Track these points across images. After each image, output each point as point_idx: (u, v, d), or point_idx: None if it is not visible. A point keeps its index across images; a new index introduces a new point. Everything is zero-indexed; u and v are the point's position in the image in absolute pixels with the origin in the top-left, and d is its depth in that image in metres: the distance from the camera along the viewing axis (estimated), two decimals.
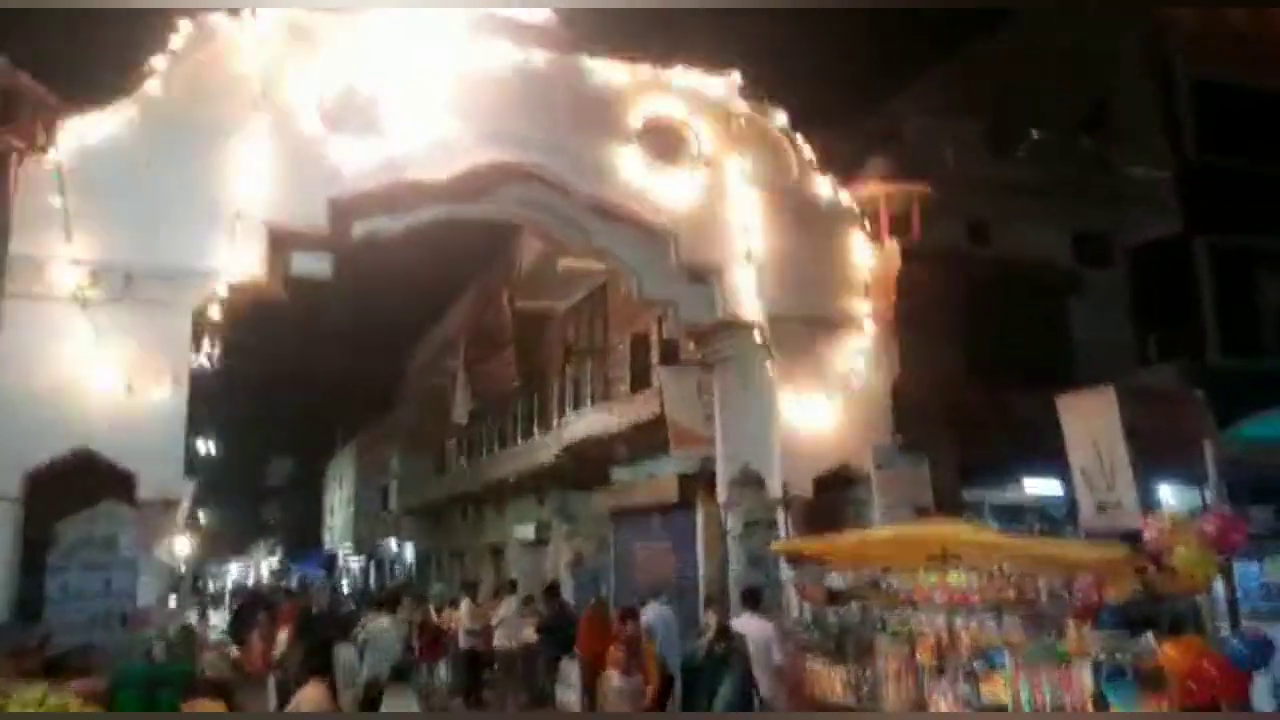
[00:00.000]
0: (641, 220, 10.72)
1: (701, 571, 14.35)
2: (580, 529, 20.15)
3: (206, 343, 15.05)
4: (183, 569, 34.06)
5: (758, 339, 10.90)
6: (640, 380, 14.53)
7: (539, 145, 10.16)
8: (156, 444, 8.38)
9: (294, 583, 47.58)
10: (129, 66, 8.81)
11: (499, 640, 14.24)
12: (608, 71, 10.69)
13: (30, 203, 8.19)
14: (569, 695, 13.98)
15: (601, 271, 18.44)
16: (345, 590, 39.25)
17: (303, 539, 61.67)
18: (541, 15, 10.50)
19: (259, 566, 68.27)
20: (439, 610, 16.16)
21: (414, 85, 9.69)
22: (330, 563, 50.86)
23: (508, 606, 14.57)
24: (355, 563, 46.96)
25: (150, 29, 8.91)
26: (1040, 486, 12.65)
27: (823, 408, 11.02)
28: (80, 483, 8.33)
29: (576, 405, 17.26)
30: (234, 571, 68.73)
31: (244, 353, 21.66)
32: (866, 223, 11.85)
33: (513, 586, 15.07)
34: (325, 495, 56.22)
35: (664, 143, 10.85)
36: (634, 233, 11.04)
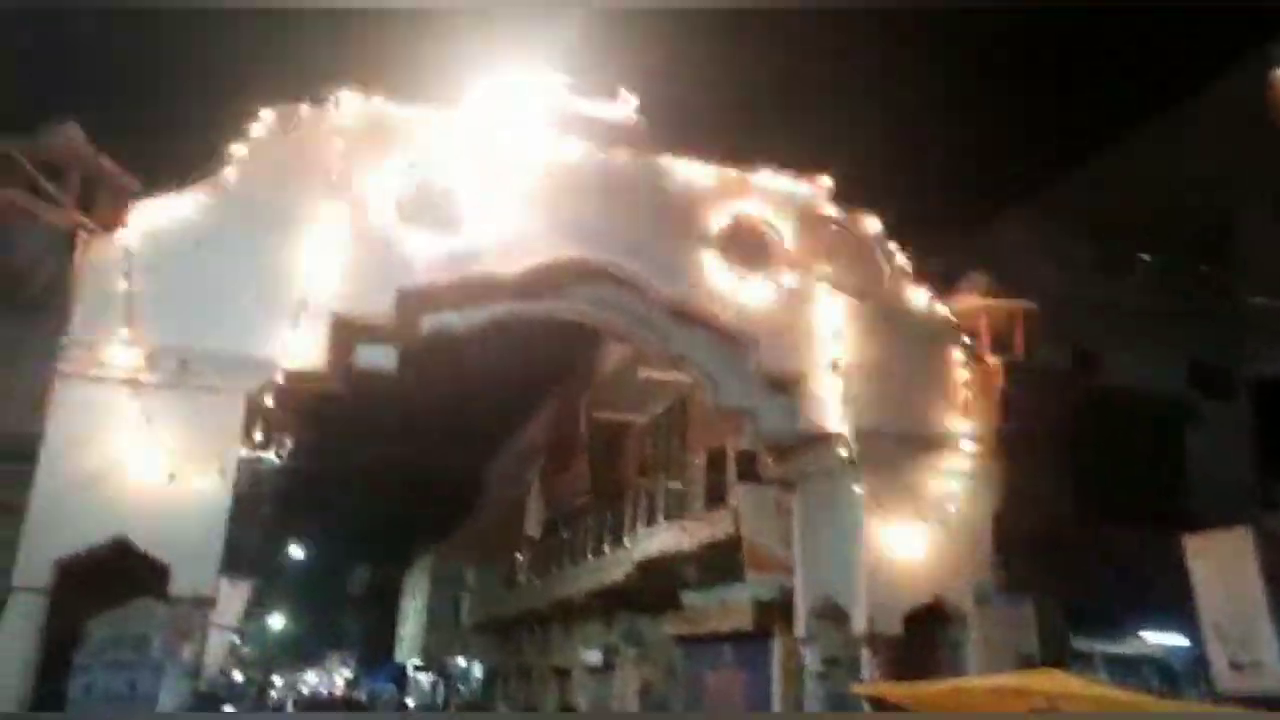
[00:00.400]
0: (721, 325, 10.16)
1: (776, 708, 13.11)
2: (649, 655, 18.97)
3: (275, 436, 14.97)
4: (242, 676, 33.70)
5: (843, 455, 10.05)
6: (716, 497, 13.68)
7: (616, 243, 9.78)
8: (194, 537, 7.93)
9: (364, 695, 46.73)
10: (208, 150, 8.78)
11: None
12: (690, 171, 10.35)
13: (93, 283, 8.06)
14: None
15: (682, 384, 17.96)
16: (411, 705, 38.09)
17: (375, 650, 60.92)
18: (623, 112, 10.27)
19: (333, 676, 67.45)
20: None
21: (491, 179, 9.48)
22: (400, 676, 49.84)
23: None
24: (425, 678, 45.83)
25: (232, 114, 8.90)
26: (1159, 637, 11.28)
27: (915, 535, 10.05)
28: (112, 576, 7.89)
29: (649, 521, 16.40)
30: (311, 679, 68.01)
31: (319, 453, 21.64)
32: (965, 338, 11.06)
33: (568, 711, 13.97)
34: (400, 606, 55.56)
35: (747, 245, 10.38)
36: (712, 338, 10.47)
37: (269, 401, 8.43)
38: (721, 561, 13.95)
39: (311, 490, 35.77)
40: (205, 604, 7.92)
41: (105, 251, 8.15)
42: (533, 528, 22.67)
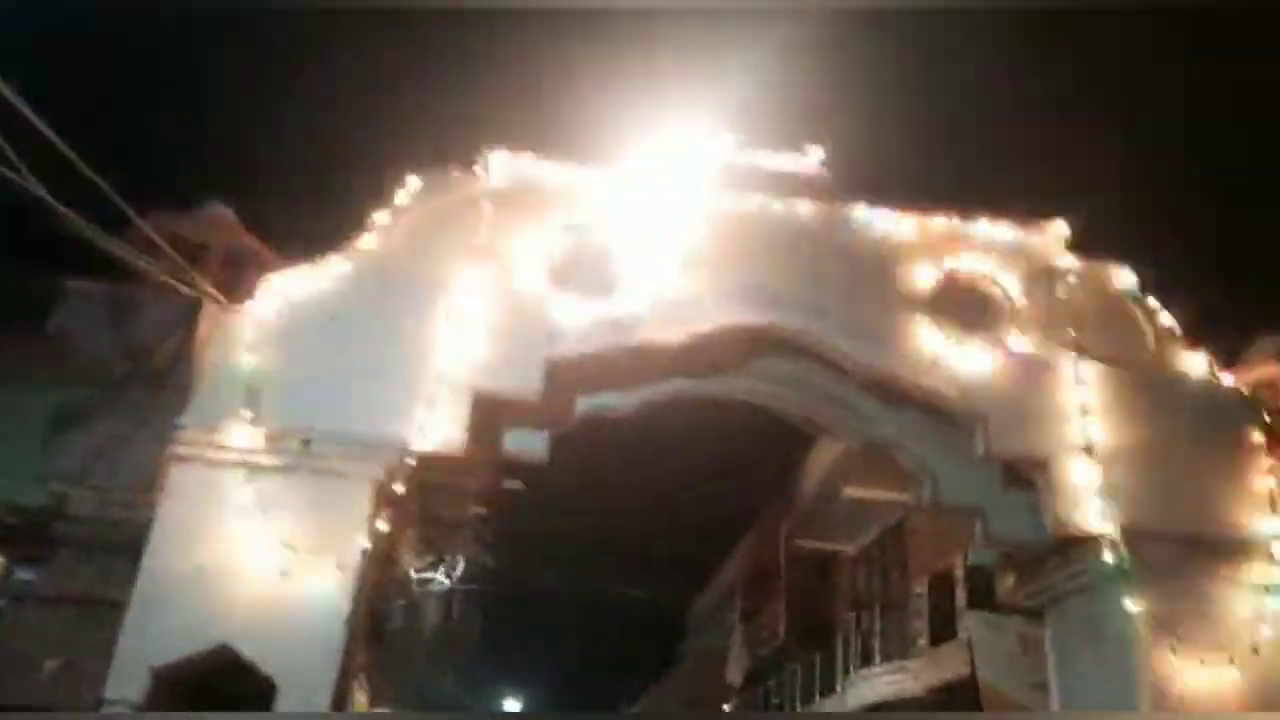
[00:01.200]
0: (937, 401, 8.28)
1: None
2: None
3: (444, 555, 14.00)
4: None
5: (1109, 563, 7.71)
6: (943, 631, 11.31)
7: (798, 306, 8.25)
8: (308, 645, 6.76)
9: None
10: (352, 221, 8.12)
11: None
12: (889, 222, 8.76)
13: (218, 358, 7.37)
14: None
15: (897, 504, 15.74)
16: None
17: None
18: (805, 163, 8.93)
19: None
20: None
21: (653, 239, 8.29)
22: None
23: None
24: None
25: (379, 182, 8.27)
26: None
27: (1215, 672, 7.48)
28: (214, 696, 6.81)
29: (864, 663, 13.99)
30: None
31: (505, 583, 20.61)
32: (1264, 414, 8.59)
33: None
34: None
35: (964, 306, 8.55)
36: (927, 419, 8.59)
37: (399, 488, 7.30)
38: (955, 707, 11.43)
39: (508, 630, 34.90)
40: None
41: (232, 325, 7.48)
42: (734, 674, 20.40)
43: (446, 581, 13.42)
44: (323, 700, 6.72)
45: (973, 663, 9.99)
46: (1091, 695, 7.96)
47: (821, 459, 16.08)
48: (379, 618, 11.95)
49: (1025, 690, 9.64)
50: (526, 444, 8.35)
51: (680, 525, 22.89)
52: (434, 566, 13.35)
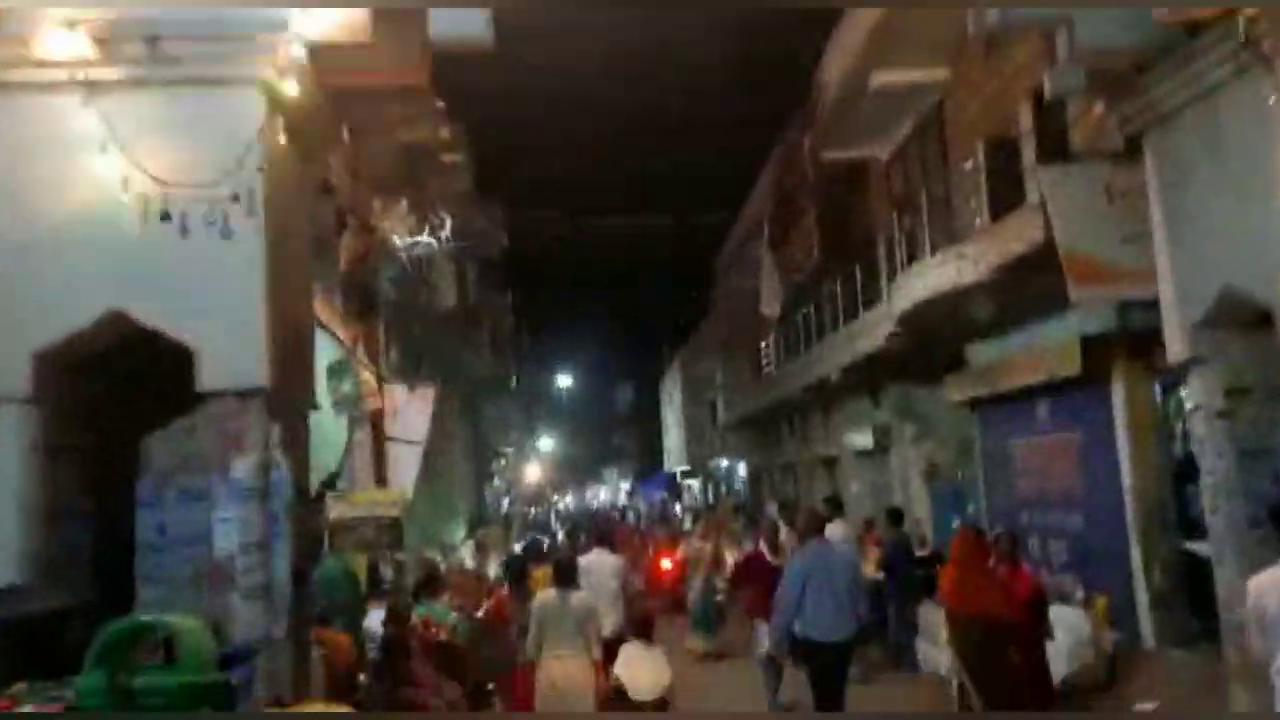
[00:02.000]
0: None
1: (1127, 481, 9.42)
2: (931, 430, 15.56)
3: (428, 216, 12.44)
4: (508, 502, 33.97)
5: (1238, 45, 5.79)
6: (1007, 200, 9.69)
7: None
8: (220, 301, 5.29)
9: (642, 504, 47.21)
10: None
11: None
12: None
13: None
14: (935, 653, 9.81)
15: (933, 85, 13.61)
16: (679, 510, 37.36)
17: (647, 463, 62.01)
18: None
19: (615, 491, 70.05)
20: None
21: None
22: (671, 484, 49.87)
23: (836, 534, 10.55)
24: (693, 483, 45.28)
25: None
26: None
27: None
28: (161, 379, 5.48)
29: (911, 260, 12.62)
30: (601, 496, 71.08)
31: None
32: None
33: (836, 507, 10.98)
34: (661, 418, 55.30)
35: None
36: None
37: (292, 89, 5.46)
38: (1022, 291, 10.09)
39: (542, 306, 34.52)
40: (254, 400, 5.31)
41: None
42: (769, 306, 19.43)
43: (434, 243, 11.93)
44: (252, 362, 5.36)
45: (1048, 226, 8.43)
46: (1216, 218, 6.38)
47: (847, 42, 13.75)
48: (367, 289, 10.67)
49: (1115, 247, 8.15)
50: (461, 25, 6.32)
51: (696, 155, 20.84)
52: (421, 230, 11.82)
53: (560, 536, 22.64)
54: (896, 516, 11.93)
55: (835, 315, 17.04)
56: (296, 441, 6.15)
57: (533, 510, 32.34)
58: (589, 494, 72.68)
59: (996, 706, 6.03)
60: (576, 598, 7.06)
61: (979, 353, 12.64)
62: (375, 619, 8.98)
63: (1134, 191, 8.21)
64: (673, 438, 49.21)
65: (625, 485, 68.38)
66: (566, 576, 7.24)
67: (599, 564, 9.09)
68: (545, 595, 7.22)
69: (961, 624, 6.20)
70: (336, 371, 10.60)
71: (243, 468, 5.32)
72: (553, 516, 29.86)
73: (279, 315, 5.59)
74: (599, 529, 12.18)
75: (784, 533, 11.03)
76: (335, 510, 10.23)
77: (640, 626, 7.25)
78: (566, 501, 63.69)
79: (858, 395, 17.91)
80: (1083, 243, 8.26)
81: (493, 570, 12.11)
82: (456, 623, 8.71)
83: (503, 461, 36.15)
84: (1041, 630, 6.63)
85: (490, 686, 8.52)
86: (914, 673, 10.07)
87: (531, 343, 38.71)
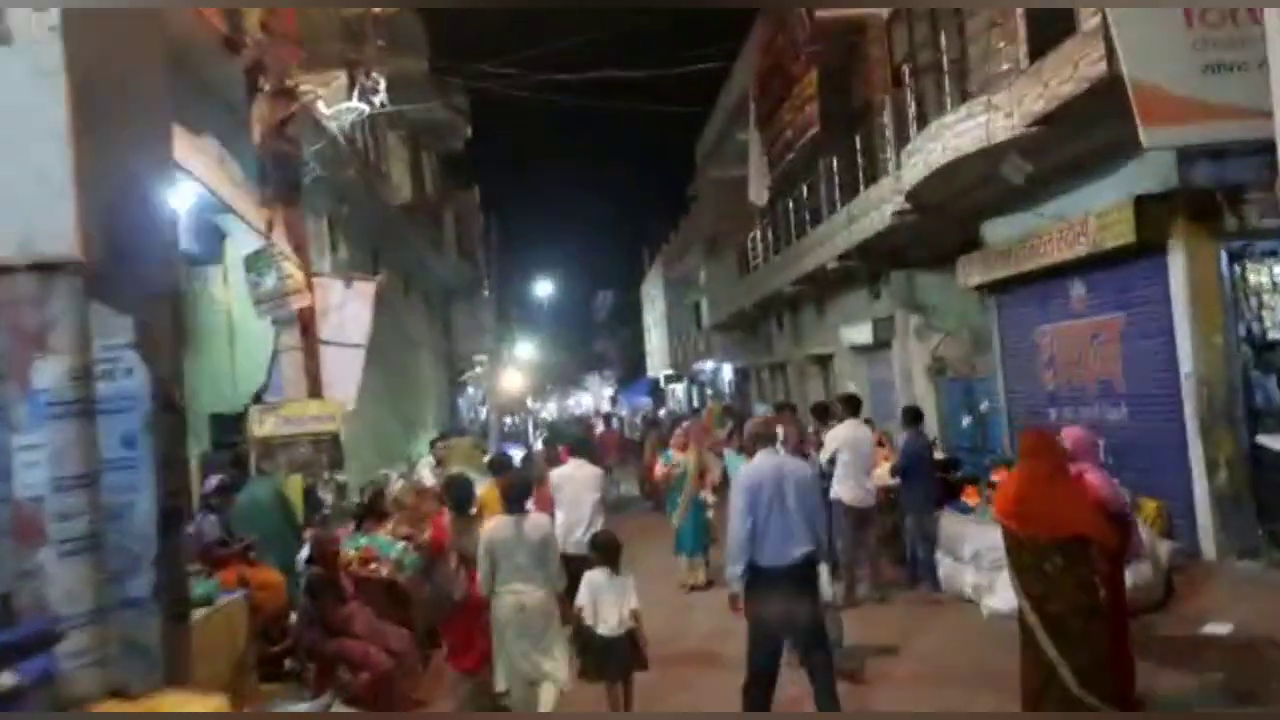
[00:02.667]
0: None
1: (1186, 367, 8.05)
2: (940, 321, 14.18)
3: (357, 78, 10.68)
4: (485, 412, 32.71)
5: None
6: (1051, 33, 8.03)
7: None
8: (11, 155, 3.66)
9: (624, 411, 46.15)
10: None
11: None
12: None
13: None
14: (958, 571, 8.62)
15: None
16: (663, 415, 36.27)
17: (630, 369, 60.98)
18: None
19: (599, 398, 69.20)
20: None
21: None
22: (654, 389, 48.82)
23: (858, 435, 9.17)
24: (677, 387, 44.16)
25: None
26: None
27: None
28: None
29: (921, 124, 10.99)
30: (584, 403, 70.14)
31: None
32: None
33: (852, 405, 9.55)
34: (643, 322, 53.91)
35: None
36: None
37: None
38: (1064, 148, 8.54)
39: (511, 202, 32.61)
40: (58, 277, 3.74)
41: None
42: (757, 192, 17.77)
43: (364, 107, 10.18)
44: (60, 235, 3.77)
45: (1110, 54, 6.83)
46: None
47: None
48: (287, 166, 8.97)
49: (1195, 77, 6.62)
50: None
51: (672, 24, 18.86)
52: (351, 95, 10.06)
53: (538, 447, 21.29)
54: (914, 415, 10.61)
55: (831, 197, 15.45)
56: (157, 337, 4.58)
57: (509, 420, 31.00)
58: (571, 402, 71.72)
59: (1069, 647, 4.75)
60: (530, 523, 5.84)
61: (999, 230, 11.13)
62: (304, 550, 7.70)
63: (1218, 11, 6.64)
64: (655, 342, 47.93)
65: (608, 392, 67.53)
66: (517, 499, 6.04)
67: (576, 476, 8.06)
68: (495, 523, 5.95)
69: (1029, 547, 4.85)
70: (255, 264, 9.00)
71: (50, 374, 3.78)
72: (530, 426, 28.51)
73: (103, 164, 3.98)
74: (575, 437, 10.84)
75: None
76: (263, 426, 8.78)
77: (605, 553, 5.96)
78: (549, 409, 62.76)
79: (855, 286, 16.47)
80: (1155, 73, 6.70)
81: None
82: (402, 555, 7.36)
83: (478, 369, 34.73)
84: (1124, 552, 5.31)
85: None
86: (935, 591, 8.85)
87: (505, 245, 36.95)
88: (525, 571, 5.68)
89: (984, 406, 12.60)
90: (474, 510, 6.55)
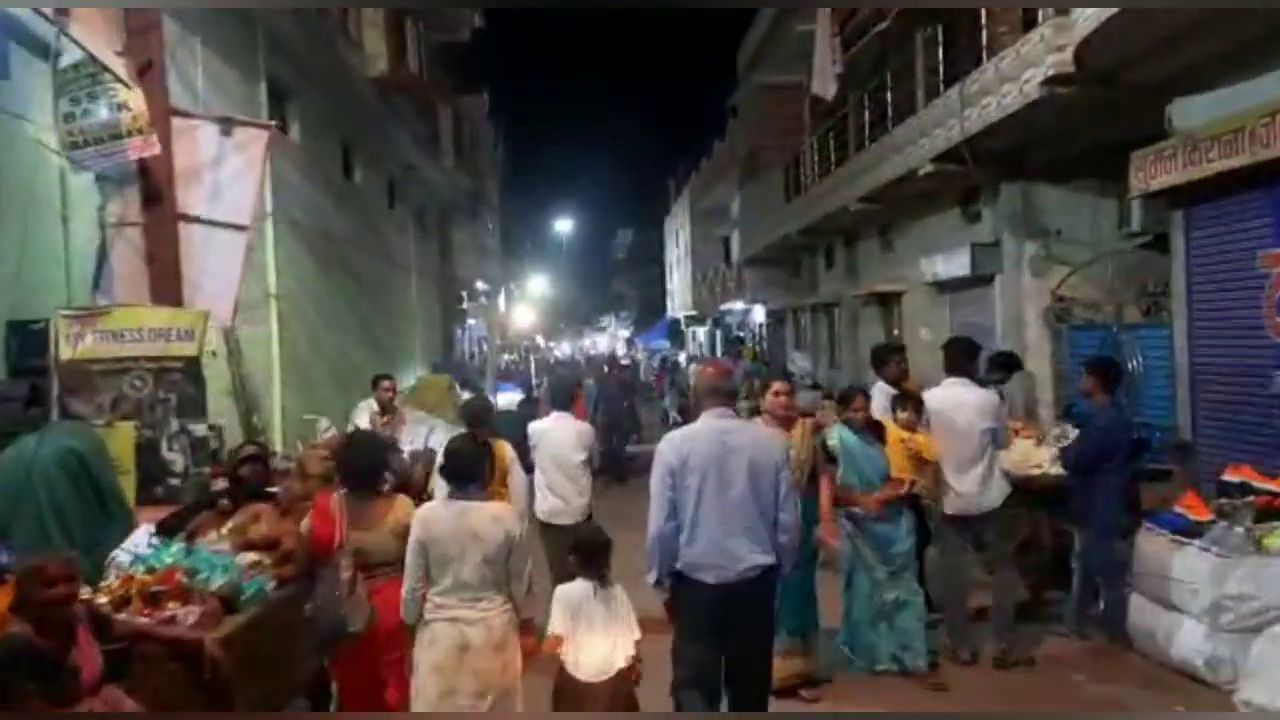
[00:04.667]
0: None
1: None
2: (1063, 250, 10.74)
3: None
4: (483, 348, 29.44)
5: None
6: None
7: None
8: None
9: (639, 353, 42.85)
10: None
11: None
12: None
13: None
14: (1182, 631, 5.35)
15: None
16: (682, 360, 32.99)
17: (648, 310, 57.61)
18: None
19: (614, 339, 65.97)
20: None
21: None
22: (673, 332, 45.46)
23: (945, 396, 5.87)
24: (700, 330, 40.73)
25: None
26: None
27: None
28: None
29: None
30: (600, 345, 66.97)
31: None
32: None
33: (967, 353, 6.24)
34: (665, 260, 50.31)
35: None
36: None
37: None
38: None
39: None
40: None
41: None
42: (822, 85, 14.14)
43: None
44: None
45: None
46: None
47: None
48: None
49: None
50: None
51: None
52: None
53: (539, 391, 18.02)
54: (1008, 362, 7.27)
55: (932, 81, 11.85)
56: None
57: (506, 357, 27.70)
58: (586, 343, 68.51)
59: None
60: (487, 514, 3.84)
61: (1199, 110, 7.61)
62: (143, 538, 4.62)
63: None
64: (677, 281, 44.42)
65: (625, 334, 64.27)
66: (462, 472, 4.00)
67: (556, 431, 6.40)
68: (428, 511, 3.95)
69: None
70: (71, 84, 5.66)
71: None
72: (531, 365, 25.19)
73: None
74: (558, 387, 7.73)
75: (879, 394, 6.35)
76: (75, 344, 5.53)
77: (589, 557, 3.93)
78: (562, 348, 59.65)
79: (943, 205, 12.97)
80: None
81: (409, 445, 7.48)
82: (234, 580, 4.10)
83: (482, 300, 31.45)
84: None
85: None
86: (1123, 646, 5.61)
87: (517, 167, 33.35)
88: (474, 588, 3.77)
89: (1133, 365, 9.19)
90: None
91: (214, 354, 8.89)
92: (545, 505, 6.14)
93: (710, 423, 3.91)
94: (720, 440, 3.83)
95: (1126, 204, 10.52)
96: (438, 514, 3.86)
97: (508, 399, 15.13)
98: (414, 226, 19.65)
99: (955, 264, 12.09)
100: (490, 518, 3.83)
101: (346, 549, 4.02)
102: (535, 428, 6.53)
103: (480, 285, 29.51)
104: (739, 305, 29.28)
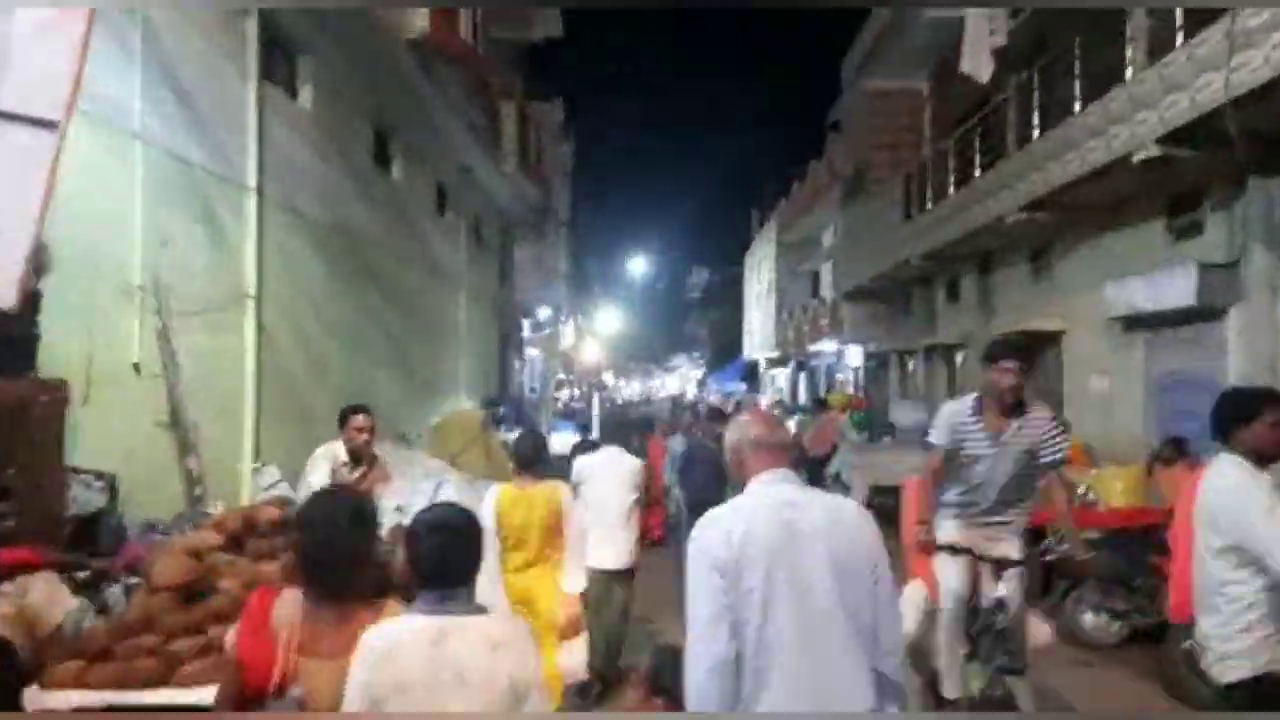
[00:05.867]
0: None
1: None
2: None
3: None
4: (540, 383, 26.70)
5: None
6: None
7: None
8: None
9: (710, 397, 39.81)
10: None
11: None
12: None
13: None
14: None
15: None
16: (764, 404, 29.89)
17: (723, 350, 54.65)
18: None
19: (685, 380, 63.29)
20: None
21: None
22: (749, 374, 42.37)
23: None
24: (781, 372, 37.52)
25: None
26: None
27: None
28: None
29: None
30: (669, 386, 64.30)
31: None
32: None
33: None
34: (744, 297, 47.34)
35: None
36: None
37: None
38: None
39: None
40: None
41: None
42: (974, 64, 11.14)
43: None
44: None
45: None
46: None
47: None
48: None
49: None
50: None
51: None
52: None
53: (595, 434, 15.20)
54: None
55: (1121, 57, 8.79)
56: None
57: (566, 393, 24.90)
58: (655, 383, 65.82)
59: None
60: (471, 643, 2.35)
61: None
62: None
63: None
64: (756, 319, 41.34)
65: (697, 374, 61.51)
66: (444, 569, 2.46)
67: (607, 466, 5.96)
68: (384, 640, 2.35)
69: None
70: None
71: None
72: (595, 406, 22.25)
73: None
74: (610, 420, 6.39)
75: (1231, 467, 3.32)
76: None
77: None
78: (631, 388, 57.11)
79: (1137, 214, 9.87)
80: None
81: (393, 510, 4.76)
82: None
83: (546, 331, 28.88)
84: None
85: None
86: None
87: (593, 189, 30.99)
88: None
89: None
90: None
91: (136, 367, 6.32)
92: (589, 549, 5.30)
93: (766, 491, 2.56)
94: (785, 519, 2.47)
95: None
96: (398, 641, 2.34)
97: (563, 440, 12.33)
98: (468, 238, 17.13)
99: (1166, 291, 8.93)
100: (487, 645, 2.36)
101: (291, 692, 2.44)
102: (582, 463, 6.07)
103: (544, 313, 27.03)
104: (831, 346, 26.12)
